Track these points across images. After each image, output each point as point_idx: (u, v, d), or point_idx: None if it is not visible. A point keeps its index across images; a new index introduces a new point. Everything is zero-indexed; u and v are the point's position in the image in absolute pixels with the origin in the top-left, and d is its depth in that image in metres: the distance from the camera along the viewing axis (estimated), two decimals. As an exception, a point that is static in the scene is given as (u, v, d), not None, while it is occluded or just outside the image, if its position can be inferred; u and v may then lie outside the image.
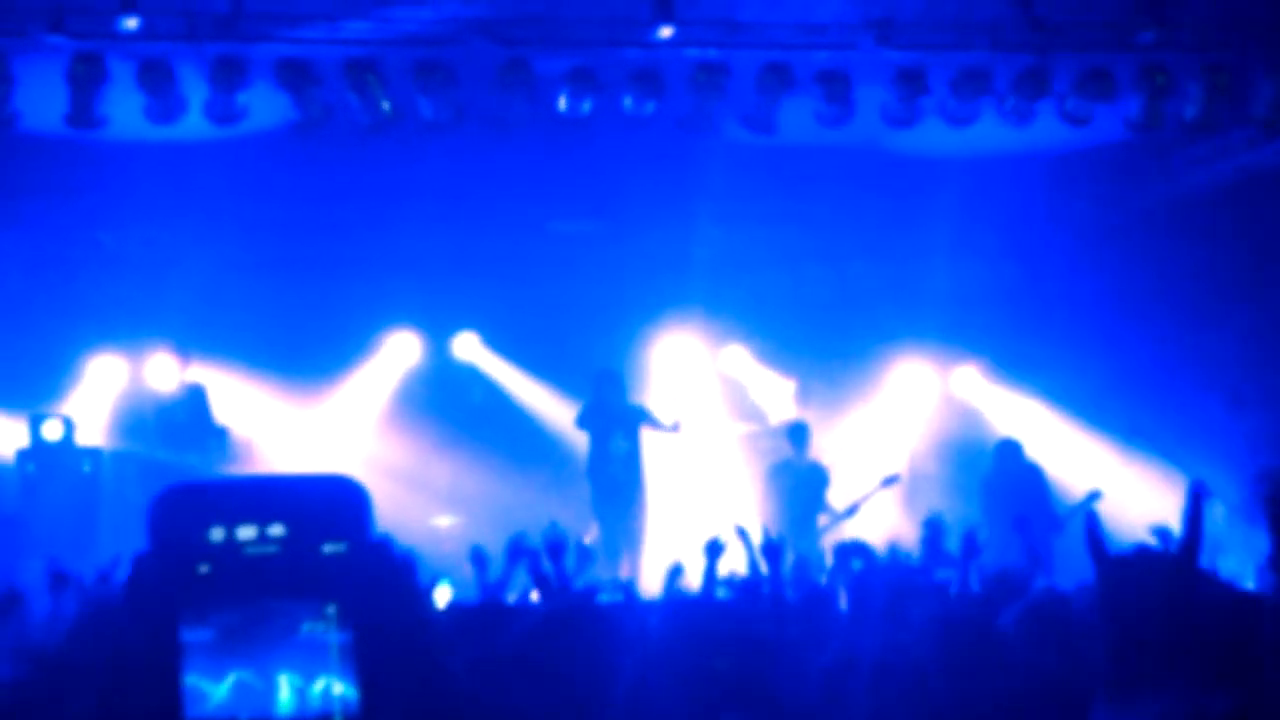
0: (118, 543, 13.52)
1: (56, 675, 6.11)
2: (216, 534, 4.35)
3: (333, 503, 4.45)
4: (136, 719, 4.30)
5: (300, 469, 16.68)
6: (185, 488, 4.49)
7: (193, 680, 4.35)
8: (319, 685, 4.42)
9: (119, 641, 4.41)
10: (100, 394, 17.23)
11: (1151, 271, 17.01)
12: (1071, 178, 16.63)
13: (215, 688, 4.37)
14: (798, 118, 14.01)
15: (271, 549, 4.37)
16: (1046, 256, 17.59)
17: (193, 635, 4.35)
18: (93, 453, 16.17)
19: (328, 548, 4.39)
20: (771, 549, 9.61)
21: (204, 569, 4.35)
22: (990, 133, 14.27)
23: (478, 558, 9.55)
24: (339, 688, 4.41)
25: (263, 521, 4.37)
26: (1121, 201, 17.24)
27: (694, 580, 10.08)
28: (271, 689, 4.40)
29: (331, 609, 4.38)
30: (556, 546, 9.12)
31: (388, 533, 4.62)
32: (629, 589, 9.97)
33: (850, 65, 13.89)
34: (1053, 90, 13.97)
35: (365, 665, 4.36)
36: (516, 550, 9.53)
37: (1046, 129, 14.24)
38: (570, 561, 9.20)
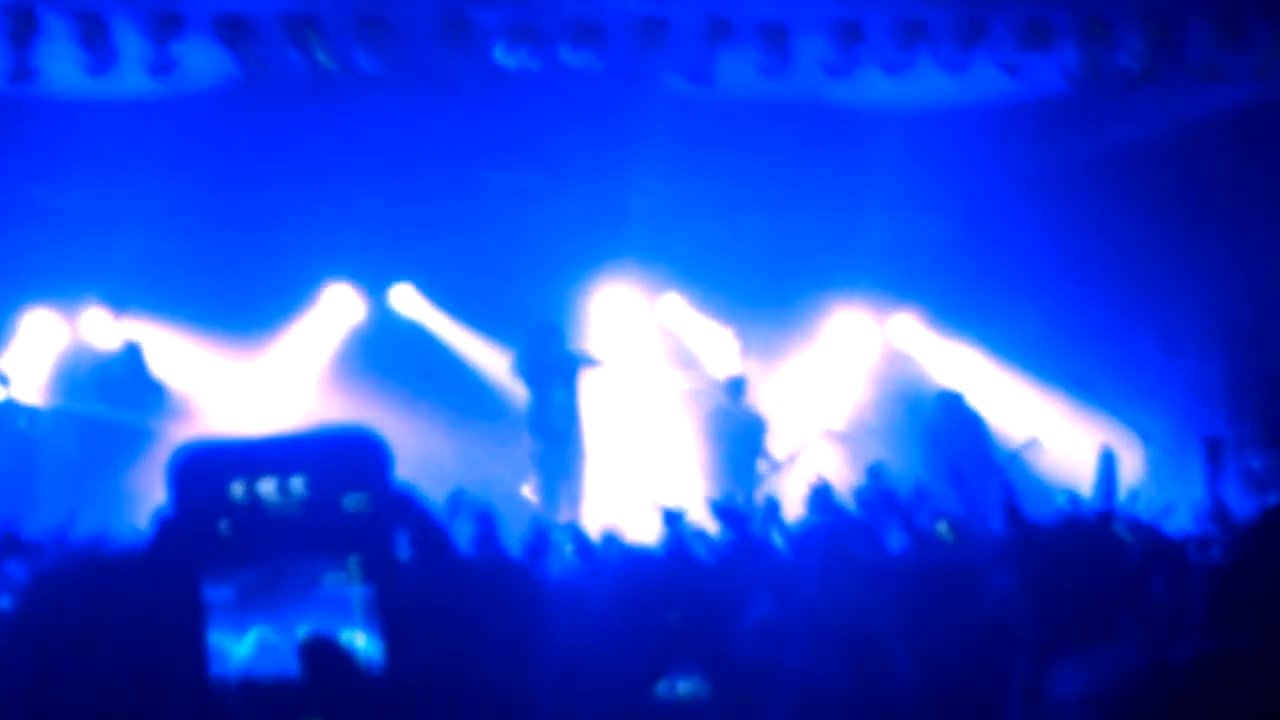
0: (57, 500, 13.49)
1: (14, 640, 6.06)
2: (237, 489, 4.32)
3: (353, 455, 4.42)
4: (161, 679, 4.28)
5: (238, 424, 16.58)
6: (203, 446, 4.45)
7: (215, 638, 4.33)
8: (342, 640, 4.41)
9: (140, 602, 4.37)
10: (35, 351, 17.02)
11: (1092, 222, 17.08)
12: (1014, 129, 16.61)
13: (237, 645, 4.36)
14: (738, 69, 13.99)
15: (293, 504, 4.34)
16: (988, 207, 17.56)
17: (215, 594, 4.33)
18: (30, 410, 16.03)
19: (349, 501, 4.36)
20: (729, 514, 9.64)
21: (225, 527, 4.32)
22: (933, 84, 14.29)
23: None
24: (362, 642, 4.40)
25: (283, 476, 4.34)
26: (1062, 153, 17.26)
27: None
28: (293, 645, 4.39)
29: (354, 561, 4.36)
30: (484, 518, 9.18)
31: (410, 483, 4.58)
32: (580, 537, 9.99)
33: (790, 16, 13.87)
34: (990, 40, 13.98)
35: (389, 619, 4.35)
36: (454, 507, 9.57)
37: (988, 80, 14.27)
38: (499, 531, 9.25)
